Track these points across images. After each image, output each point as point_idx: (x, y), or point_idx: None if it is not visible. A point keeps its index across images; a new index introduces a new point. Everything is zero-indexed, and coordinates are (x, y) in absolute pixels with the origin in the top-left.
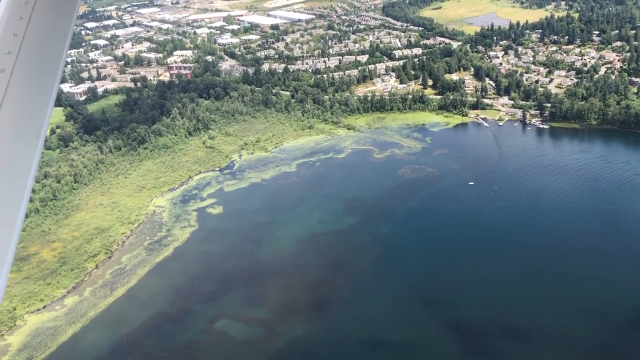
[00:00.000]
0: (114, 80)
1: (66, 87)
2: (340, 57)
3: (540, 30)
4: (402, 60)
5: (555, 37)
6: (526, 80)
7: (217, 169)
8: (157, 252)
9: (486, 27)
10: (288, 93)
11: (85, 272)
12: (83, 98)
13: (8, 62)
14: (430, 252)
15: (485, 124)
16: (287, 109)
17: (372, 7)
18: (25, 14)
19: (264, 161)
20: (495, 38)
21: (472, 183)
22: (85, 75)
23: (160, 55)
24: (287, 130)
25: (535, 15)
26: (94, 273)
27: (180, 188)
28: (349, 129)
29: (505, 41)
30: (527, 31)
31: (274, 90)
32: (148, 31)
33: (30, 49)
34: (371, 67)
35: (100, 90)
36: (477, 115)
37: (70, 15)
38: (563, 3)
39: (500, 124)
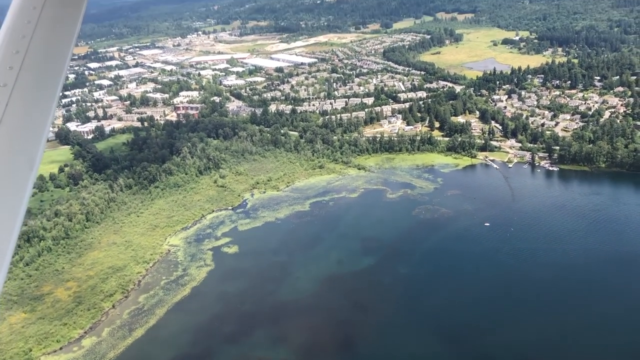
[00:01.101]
0: (120, 119)
1: (73, 126)
2: (346, 99)
3: (542, 75)
4: (408, 103)
5: (558, 81)
6: (532, 123)
7: (230, 207)
8: (175, 291)
9: (488, 72)
10: (296, 133)
11: (102, 312)
12: (91, 137)
13: (10, 77)
14: (452, 293)
15: (495, 166)
16: (297, 148)
17: (373, 51)
18: (27, 32)
19: (277, 200)
20: (498, 82)
21: (487, 224)
22: (91, 114)
23: (166, 95)
24: (298, 169)
25: (534, 60)
26: (111, 313)
27: (194, 227)
28: (359, 169)
29: (507, 85)
30: (529, 76)
31: (282, 131)
32: (151, 72)
33: (31, 67)
34: (377, 109)
35: (107, 129)
36: (486, 157)
37: (70, 36)
38: (560, 50)
39: (510, 165)
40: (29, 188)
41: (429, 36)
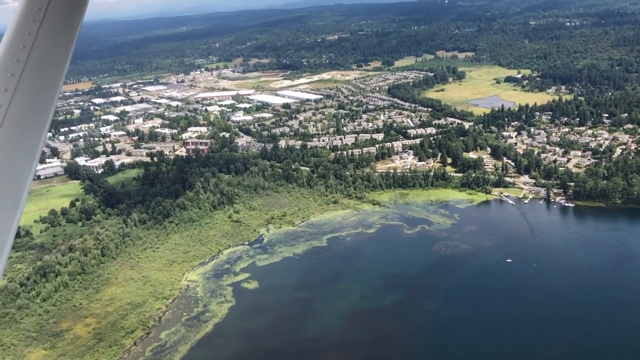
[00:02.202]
0: (129, 154)
1: (82, 161)
2: (356, 135)
3: (550, 112)
4: (418, 139)
5: (566, 118)
6: (544, 159)
7: (247, 243)
8: (197, 328)
9: (496, 109)
10: (308, 169)
11: (123, 349)
12: (100, 171)
13: (11, 83)
14: (479, 330)
15: (511, 202)
16: (310, 183)
17: (377, 88)
18: (27, 43)
19: (293, 235)
20: (506, 119)
21: (509, 260)
22: (100, 149)
23: (175, 131)
24: (312, 204)
25: (538, 98)
26: (132, 350)
27: (212, 262)
28: (373, 204)
29: (516, 122)
30: (537, 113)
31: (293, 166)
32: (157, 108)
33: (31, 75)
34: (388, 144)
35: (117, 164)
36: (501, 193)
37: (68, 48)
38: (563, 87)
39: (525, 202)
40: (25, 193)
41: (432, 74)
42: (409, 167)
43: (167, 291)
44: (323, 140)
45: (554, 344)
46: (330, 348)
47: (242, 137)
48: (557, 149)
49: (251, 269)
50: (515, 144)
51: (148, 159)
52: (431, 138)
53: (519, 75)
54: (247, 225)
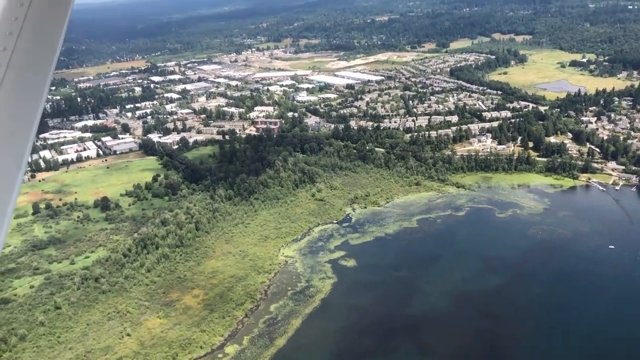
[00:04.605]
0: (199, 132)
1: (155, 137)
2: (428, 117)
3: (631, 98)
4: (493, 122)
5: None
6: (631, 145)
7: (335, 221)
8: (304, 303)
9: (572, 93)
10: (382, 149)
11: (236, 320)
12: (175, 147)
13: None
14: (593, 315)
15: (601, 188)
16: (388, 165)
17: (438, 70)
18: (14, 29)
19: (380, 215)
20: (584, 104)
21: (612, 247)
22: (170, 126)
23: (242, 110)
24: (393, 185)
25: (609, 83)
26: (245, 322)
27: (304, 239)
28: (458, 187)
29: (594, 107)
30: (615, 98)
31: (367, 147)
32: (217, 87)
33: (18, 66)
34: (464, 127)
35: (190, 141)
36: (589, 179)
37: (58, 35)
38: (635, 72)
39: (617, 188)
40: (17, 186)
41: (493, 56)
42: (488, 150)
43: (267, 265)
44: (395, 122)
45: None
46: (440, 325)
47: (310, 117)
48: None
49: (345, 247)
50: (597, 129)
51: (219, 137)
52: (508, 121)
53: (585, 60)
54: (331, 204)
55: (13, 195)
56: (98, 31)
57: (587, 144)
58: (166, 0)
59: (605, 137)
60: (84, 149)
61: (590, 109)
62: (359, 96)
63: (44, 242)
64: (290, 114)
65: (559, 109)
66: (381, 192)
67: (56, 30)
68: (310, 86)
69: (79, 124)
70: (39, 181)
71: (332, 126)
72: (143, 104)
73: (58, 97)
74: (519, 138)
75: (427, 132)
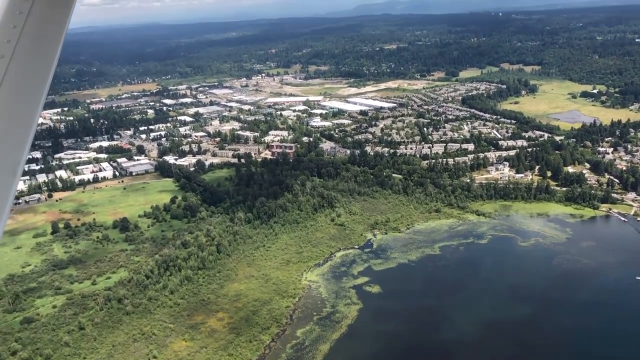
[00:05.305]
0: (214, 155)
1: (170, 160)
2: (445, 144)
3: None
4: (510, 151)
5: None
6: None
7: (356, 246)
8: (331, 328)
9: (589, 124)
10: (399, 176)
11: (263, 344)
12: (192, 170)
13: None
14: (626, 347)
15: (623, 219)
16: (406, 191)
17: (449, 98)
18: (13, 37)
19: (402, 242)
20: (599, 135)
21: (639, 278)
22: (185, 148)
23: (257, 134)
24: (413, 212)
25: (621, 115)
26: (273, 346)
27: (326, 264)
28: (478, 215)
29: (610, 138)
30: (631, 130)
31: (384, 172)
32: (229, 111)
33: (16, 72)
34: (481, 155)
35: (206, 164)
36: (610, 209)
37: (57, 42)
38: None
39: (639, 219)
40: (12, 193)
41: (504, 86)
42: (506, 178)
43: (291, 290)
44: (411, 149)
45: None
46: (471, 353)
47: (325, 142)
48: None
49: (369, 273)
50: (614, 160)
51: (234, 160)
52: (525, 150)
53: (595, 91)
54: (352, 230)
55: (9, 199)
56: (107, 53)
57: (606, 174)
58: (173, 25)
59: (623, 168)
60: (100, 170)
61: (606, 139)
62: (373, 122)
63: (64, 261)
64: (305, 139)
65: (574, 139)
66: (401, 218)
67: (56, 36)
68: (323, 112)
69: (94, 145)
70: (56, 201)
71: (348, 151)
72: (156, 126)
73: (71, 118)
74: (537, 167)
75: (444, 160)
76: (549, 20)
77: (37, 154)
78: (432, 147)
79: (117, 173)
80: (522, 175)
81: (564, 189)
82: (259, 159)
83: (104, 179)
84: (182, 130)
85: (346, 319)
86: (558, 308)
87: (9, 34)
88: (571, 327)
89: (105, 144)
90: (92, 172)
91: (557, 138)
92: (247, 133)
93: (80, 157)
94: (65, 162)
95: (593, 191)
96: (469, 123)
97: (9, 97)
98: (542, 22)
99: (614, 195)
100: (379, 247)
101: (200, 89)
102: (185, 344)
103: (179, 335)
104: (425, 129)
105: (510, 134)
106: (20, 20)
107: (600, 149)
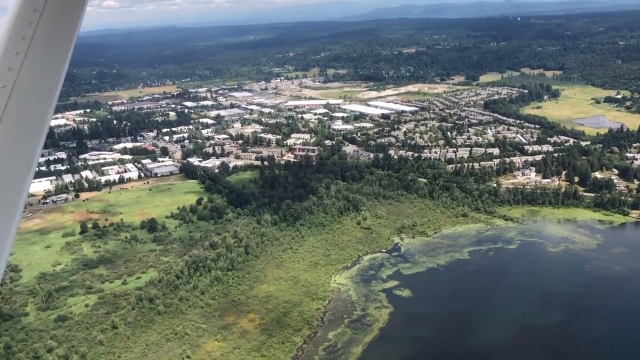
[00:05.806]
0: (237, 157)
1: (194, 161)
2: (469, 149)
3: None
4: (536, 155)
5: None
6: None
7: (384, 250)
8: (363, 331)
9: (615, 129)
10: (424, 179)
11: (296, 346)
12: (216, 171)
13: (9, 78)
14: None
15: None
16: (432, 195)
17: (471, 102)
18: (27, 34)
19: (430, 246)
20: (627, 140)
21: None
22: (209, 150)
23: (279, 136)
24: (440, 216)
25: None
26: (305, 348)
27: (355, 267)
28: (506, 220)
29: (637, 144)
30: None
31: (409, 176)
32: (250, 113)
33: (30, 69)
34: (507, 159)
35: (230, 166)
36: None
37: (70, 39)
38: None
39: None
40: (26, 190)
41: (525, 90)
42: (533, 183)
43: (321, 292)
44: (435, 152)
45: None
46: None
47: (347, 145)
48: None
49: (398, 276)
50: None
51: (258, 163)
52: (551, 155)
53: (619, 96)
54: (378, 233)
55: (22, 198)
56: (127, 56)
57: (635, 180)
58: (190, 28)
59: None
60: (125, 171)
61: (634, 145)
62: (396, 126)
63: (94, 261)
64: (327, 142)
65: (601, 145)
66: (428, 222)
67: (70, 30)
68: (345, 115)
69: (118, 146)
70: (83, 201)
71: (371, 155)
72: (179, 128)
73: (94, 119)
74: (564, 172)
75: (469, 164)
76: (569, 24)
77: (62, 155)
78: (457, 151)
79: (142, 174)
80: (549, 180)
81: (592, 194)
82: (282, 162)
83: (130, 179)
84: (205, 132)
85: (377, 322)
86: (590, 315)
87: (24, 31)
88: (603, 335)
89: (129, 145)
90: (118, 172)
91: (583, 143)
92: (269, 136)
93: (104, 158)
94: (90, 162)
95: (623, 197)
96: (492, 127)
97: (23, 94)
98: (562, 26)
99: None
100: (407, 251)
101: (220, 91)
102: (218, 344)
103: (211, 336)
104: (448, 132)
105: (535, 139)
106: (34, 18)
107: (628, 155)
